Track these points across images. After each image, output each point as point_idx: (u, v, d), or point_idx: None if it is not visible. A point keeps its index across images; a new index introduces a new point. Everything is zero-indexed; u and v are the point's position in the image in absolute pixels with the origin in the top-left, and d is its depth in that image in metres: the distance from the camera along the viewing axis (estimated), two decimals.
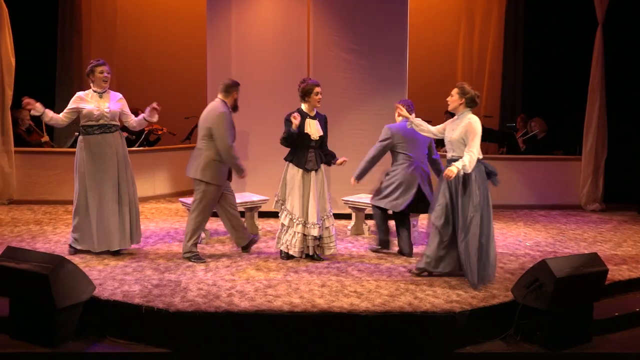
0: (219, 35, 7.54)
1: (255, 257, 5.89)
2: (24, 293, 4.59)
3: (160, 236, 6.71)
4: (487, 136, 9.64)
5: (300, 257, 5.76)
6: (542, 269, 4.59)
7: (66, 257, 4.75)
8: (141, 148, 9.05)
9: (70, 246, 5.89)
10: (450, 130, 5.26)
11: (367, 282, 5.17)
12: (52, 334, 4.48)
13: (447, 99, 5.28)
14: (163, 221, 7.50)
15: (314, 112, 5.77)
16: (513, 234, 7.14)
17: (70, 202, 8.28)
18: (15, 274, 4.54)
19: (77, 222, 5.82)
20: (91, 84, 5.87)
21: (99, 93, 5.83)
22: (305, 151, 5.70)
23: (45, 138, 8.95)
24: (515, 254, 6.20)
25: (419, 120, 5.56)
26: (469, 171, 5.02)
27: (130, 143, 9.12)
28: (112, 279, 5.13)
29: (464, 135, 5.10)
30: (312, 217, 5.66)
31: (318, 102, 5.72)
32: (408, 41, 7.53)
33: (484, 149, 9.79)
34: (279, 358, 4.50)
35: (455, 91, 5.24)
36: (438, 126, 5.48)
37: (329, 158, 5.87)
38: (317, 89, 5.69)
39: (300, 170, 5.69)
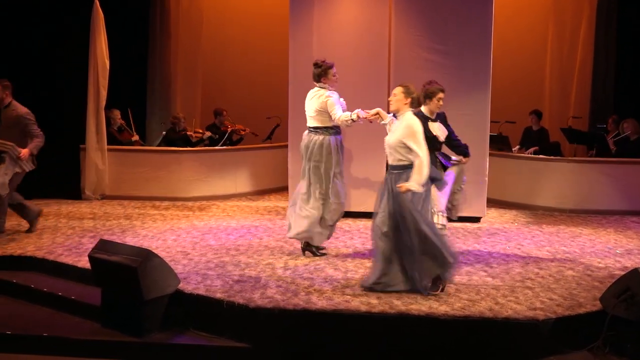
0: (301, 36, 7.63)
1: (334, 257, 5.93)
2: (114, 284, 4.83)
3: (241, 233, 6.87)
4: (576, 138, 9.27)
5: None
6: (635, 278, 4.36)
7: (153, 251, 4.96)
8: (224, 147, 9.31)
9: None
10: (391, 133, 5.02)
11: (447, 286, 5.08)
12: (139, 324, 4.69)
13: (390, 98, 5.08)
14: (244, 218, 7.68)
15: (435, 115, 5.52)
16: (602, 240, 6.81)
17: (157, 199, 8.74)
18: (106, 265, 4.79)
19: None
20: (318, 83, 5.84)
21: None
22: (432, 153, 5.40)
23: (136, 137, 9.37)
24: (605, 262, 5.91)
25: None
26: (421, 190, 4.79)
27: (213, 142, 9.44)
28: (195, 274, 5.31)
29: (404, 137, 4.87)
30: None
31: (438, 107, 5.47)
32: (492, 39, 7.35)
33: (571, 151, 9.53)
34: (355, 358, 4.51)
35: (399, 90, 5.01)
36: None
37: (461, 150, 5.66)
38: (441, 95, 5.43)
39: None
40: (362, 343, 4.50)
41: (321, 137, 5.81)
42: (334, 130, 5.85)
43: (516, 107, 9.88)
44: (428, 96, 5.45)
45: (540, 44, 10.52)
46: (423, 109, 5.48)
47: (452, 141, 5.70)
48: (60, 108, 8.78)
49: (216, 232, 6.92)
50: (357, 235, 6.76)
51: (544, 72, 10.58)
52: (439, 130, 5.50)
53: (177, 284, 4.89)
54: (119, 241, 5.81)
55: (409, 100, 5.03)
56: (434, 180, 5.10)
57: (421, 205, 4.91)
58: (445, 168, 5.56)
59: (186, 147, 9.21)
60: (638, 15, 9.62)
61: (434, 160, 5.47)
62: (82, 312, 5.09)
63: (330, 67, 5.82)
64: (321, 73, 5.82)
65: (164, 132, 9.53)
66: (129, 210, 8.13)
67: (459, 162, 5.69)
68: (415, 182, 4.78)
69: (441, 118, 5.63)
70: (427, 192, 5.00)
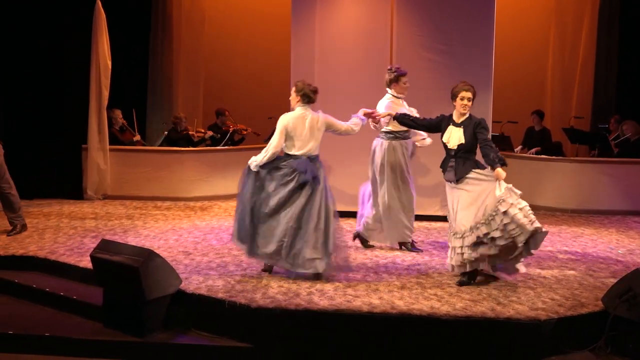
0: (303, 36, 7.62)
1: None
2: (116, 284, 4.84)
3: None
4: (578, 138, 9.26)
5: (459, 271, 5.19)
6: (637, 278, 4.36)
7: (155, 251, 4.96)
8: (226, 147, 9.31)
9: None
10: None
11: (449, 286, 5.08)
12: (141, 324, 4.69)
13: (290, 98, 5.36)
14: None
15: (461, 119, 5.12)
16: (604, 240, 6.81)
17: (159, 199, 8.74)
18: (108, 265, 4.79)
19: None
20: (390, 90, 6.06)
21: (401, 99, 6.10)
22: (447, 160, 5.24)
23: (137, 137, 9.37)
24: (607, 262, 5.91)
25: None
26: (252, 166, 5.47)
27: (215, 142, 9.44)
28: (197, 274, 5.31)
29: None
30: (466, 226, 4.99)
31: (462, 107, 5.07)
32: (494, 39, 7.35)
33: (573, 151, 9.52)
34: (357, 359, 4.51)
35: (293, 89, 5.33)
36: None
37: (488, 161, 4.94)
38: (464, 94, 5.06)
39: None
40: (363, 343, 4.50)
41: (387, 142, 6.02)
42: (392, 135, 6.02)
43: (518, 107, 9.87)
44: (452, 97, 5.17)
45: (542, 43, 10.51)
46: (454, 112, 5.22)
47: (481, 149, 5.03)
48: (61, 108, 8.78)
49: (218, 232, 6.92)
50: None
51: (545, 72, 10.57)
52: (453, 135, 5.12)
53: (179, 284, 4.90)
54: (120, 241, 5.81)
55: (298, 98, 5.30)
56: (300, 173, 5.24)
57: (261, 191, 5.44)
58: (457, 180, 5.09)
59: (188, 147, 9.21)
60: None
61: (446, 166, 5.23)
62: (84, 312, 5.09)
63: (403, 74, 5.99)
64: (392, 79, 6.00)
65: (166, 132, 9.54)
66: (130, 210, 8.13)
67: (486, 177, 4.99)
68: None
69: (474, 125, 5.05)
70: (264, 183, 5.47)
